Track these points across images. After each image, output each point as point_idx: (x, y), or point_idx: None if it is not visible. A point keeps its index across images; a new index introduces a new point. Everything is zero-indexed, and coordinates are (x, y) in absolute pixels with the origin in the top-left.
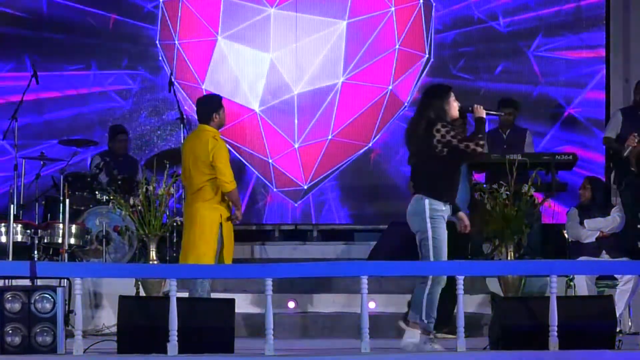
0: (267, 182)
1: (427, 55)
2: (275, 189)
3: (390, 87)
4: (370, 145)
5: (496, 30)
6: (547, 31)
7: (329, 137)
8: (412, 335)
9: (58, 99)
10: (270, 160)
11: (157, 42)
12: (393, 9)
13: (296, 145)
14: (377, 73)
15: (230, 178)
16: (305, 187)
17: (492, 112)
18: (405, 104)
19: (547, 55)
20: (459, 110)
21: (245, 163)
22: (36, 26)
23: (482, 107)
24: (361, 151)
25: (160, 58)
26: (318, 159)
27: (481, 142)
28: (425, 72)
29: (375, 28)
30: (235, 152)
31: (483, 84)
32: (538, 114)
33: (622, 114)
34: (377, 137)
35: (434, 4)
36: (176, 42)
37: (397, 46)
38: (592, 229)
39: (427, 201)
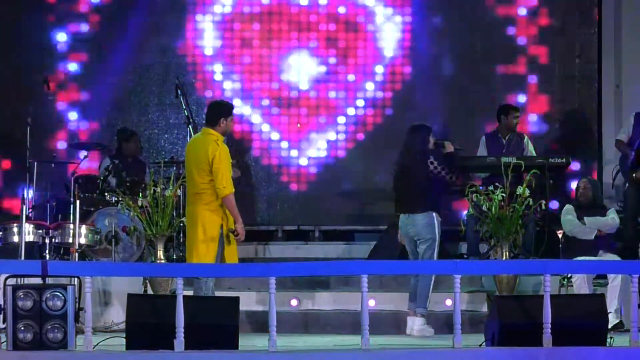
0: (272, 181)
1: None
2: (279, 188)
3: None
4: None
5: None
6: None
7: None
8: (422, 322)
9: None
10: (276, 162)
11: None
12: None
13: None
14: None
15: (225, 183)
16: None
17: (458, 148)
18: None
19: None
20: (434, 144)
21: (251, 163)
22: None
23: (450, 144)
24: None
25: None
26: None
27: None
28: None
29: None
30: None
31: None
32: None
33: (634, 118)
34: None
35: None
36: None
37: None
38: (592, 227)
39: (434, 215)
